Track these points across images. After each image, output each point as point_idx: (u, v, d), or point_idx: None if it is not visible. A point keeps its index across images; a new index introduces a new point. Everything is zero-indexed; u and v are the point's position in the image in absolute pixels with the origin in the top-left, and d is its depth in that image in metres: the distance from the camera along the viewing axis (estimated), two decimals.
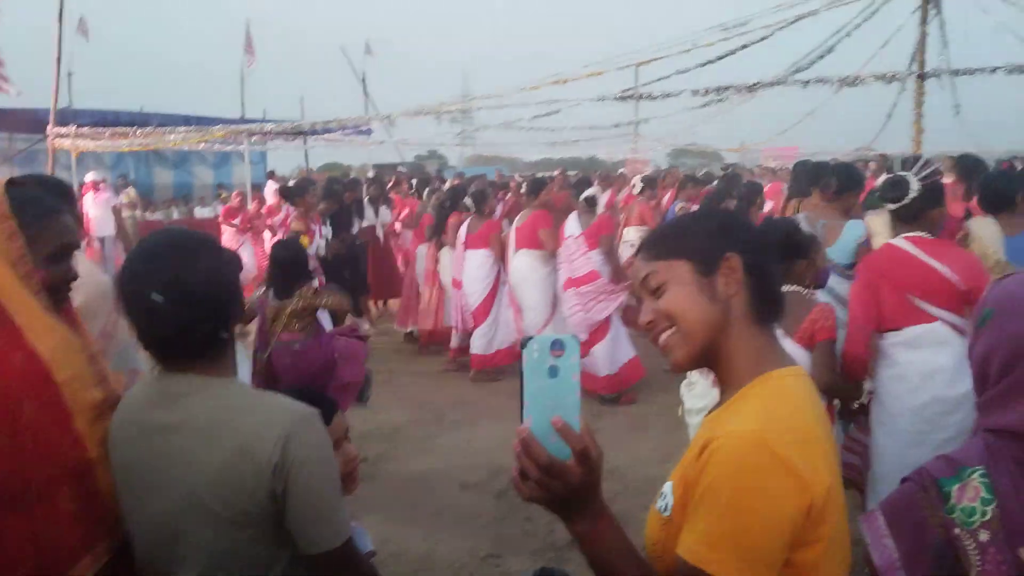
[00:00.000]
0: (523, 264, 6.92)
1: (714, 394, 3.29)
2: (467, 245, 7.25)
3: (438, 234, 7.92)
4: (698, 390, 3.46)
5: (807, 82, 7.77)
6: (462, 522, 4.37)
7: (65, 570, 1.46)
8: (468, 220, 7.37)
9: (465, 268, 7.27)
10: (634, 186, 9.68)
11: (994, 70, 7.36)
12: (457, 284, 7.43)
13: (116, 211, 11.60)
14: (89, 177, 12.14)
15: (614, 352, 6.47)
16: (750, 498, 1.07)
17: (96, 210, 11.37)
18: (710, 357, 1.27)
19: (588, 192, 6.83)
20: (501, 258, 7.24)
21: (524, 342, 1.04)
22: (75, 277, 1.69)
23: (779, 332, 3.06)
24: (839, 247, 4.13)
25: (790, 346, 3.03)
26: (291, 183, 14.03)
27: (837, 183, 4.42)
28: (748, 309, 1.26)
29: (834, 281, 3.92)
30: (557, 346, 1.03)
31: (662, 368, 6.32)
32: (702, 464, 1.13)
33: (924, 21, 9.01)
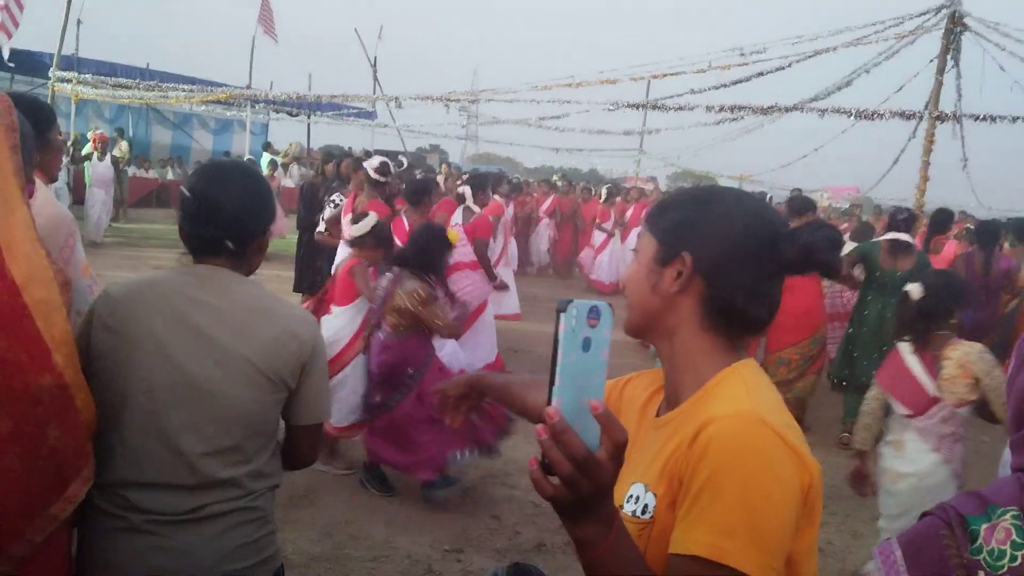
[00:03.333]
0: None
1: (929, 460, 3.30)
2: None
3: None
4: (908, 454, 3.32)
5: (824, 111, 7.70)
6: (427, 513, 4.24)
7: (54, 501, 1.49)
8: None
9: None
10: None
11: (1015, 119, 7.33)
12: None
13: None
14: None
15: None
16: (761, 479, 0.98)
17: None
18: (655, 341, 1.21)
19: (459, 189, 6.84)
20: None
21: (564, 305, 0.86)
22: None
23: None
24: None
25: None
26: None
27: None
28: (700, 313, 1.15)
29: None
30: (594, 314, 0.86)
31: None
32: (698, 453, 1.01)
33: (941, 71, 9.05)
